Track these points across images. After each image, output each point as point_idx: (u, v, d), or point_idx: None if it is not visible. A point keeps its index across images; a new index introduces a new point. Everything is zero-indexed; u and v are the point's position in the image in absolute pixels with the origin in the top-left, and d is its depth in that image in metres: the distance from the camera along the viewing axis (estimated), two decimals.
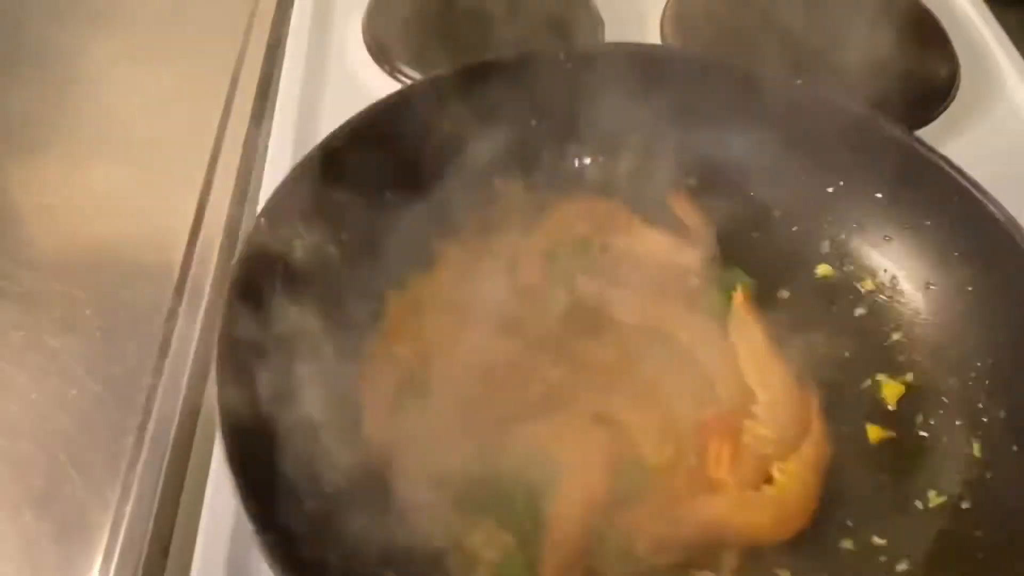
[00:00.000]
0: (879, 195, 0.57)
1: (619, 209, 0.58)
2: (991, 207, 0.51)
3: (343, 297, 0.50)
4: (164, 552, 0.49)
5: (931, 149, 0.54)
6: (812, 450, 0.49)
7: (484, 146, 0.56)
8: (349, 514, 0.43)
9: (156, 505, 0.50)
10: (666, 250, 0.56)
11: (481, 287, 0.55)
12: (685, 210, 0.59)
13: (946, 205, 0.54)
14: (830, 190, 0.59)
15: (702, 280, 0.55)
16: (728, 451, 0.48)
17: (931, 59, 0.73)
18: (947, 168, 0.53)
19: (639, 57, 0.60)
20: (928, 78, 0.72)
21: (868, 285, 0.57)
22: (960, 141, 0.69)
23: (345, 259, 0.51)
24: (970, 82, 0.73)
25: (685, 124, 0.59)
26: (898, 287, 0.57)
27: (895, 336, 0.55)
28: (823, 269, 0.58)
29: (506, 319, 0.53)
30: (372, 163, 0.53)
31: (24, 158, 0.68)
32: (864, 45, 0.74)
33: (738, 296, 0.54)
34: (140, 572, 0.48)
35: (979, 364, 0.51)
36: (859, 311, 0.57)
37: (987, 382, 0.51)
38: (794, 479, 0.48)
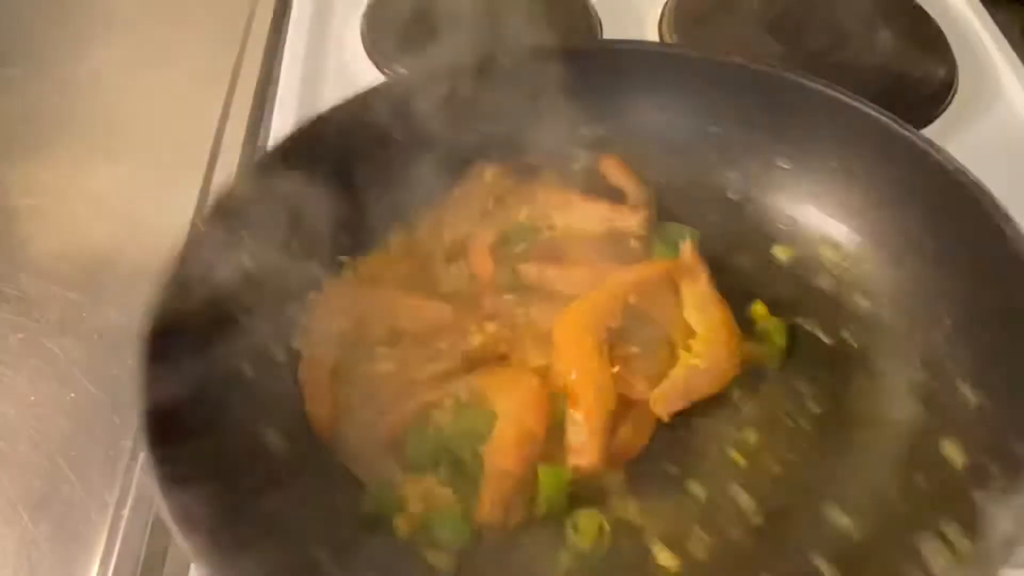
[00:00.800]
0: (834, 165, 0.58)
1: (556, 188, 0.60)
2: (945, 162, 0.51)
3: (282, 276, 0.51)
4: (162, 555, 0.49)
5: (887, 113, 0.54)
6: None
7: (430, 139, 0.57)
8: (288, 488, 0.44)
9: (154, 507, 0.50)
10: (607, 219, 0.58)
11: (425, 269, 0.57)
12: (617, 174, 0.60)
13: (907, 171, 0.54)
14: (784, 165, 0.60)
15: (643, 240, 0.57)
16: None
17: (929, 61, 0.73)
18: (904, 132, 0.53)
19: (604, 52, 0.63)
20: (926, 80, 0.72)
21: (830, 255, 0.58)
22: (958, 142, 0.69)
23: (289, 238, 0.51)
24: (968, 83, 0.73)
25: (643, 106, 0.61)
26: (861, 254, 0.57)
27: (863, 303, 0.56)
28: (783, 247, 0.59)
29: (450, 292, 0.55)
30: (326, 156, 0.54)
31: (23, 160, 0.68)
32: (862, 47, 0.74)
33: (687, 245, 0.56)
34: (138, 574, 0.48)
35: (942, 321, 0.52)
36: (823, 281, 0.57)
37: (951, 337, 0.51)
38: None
